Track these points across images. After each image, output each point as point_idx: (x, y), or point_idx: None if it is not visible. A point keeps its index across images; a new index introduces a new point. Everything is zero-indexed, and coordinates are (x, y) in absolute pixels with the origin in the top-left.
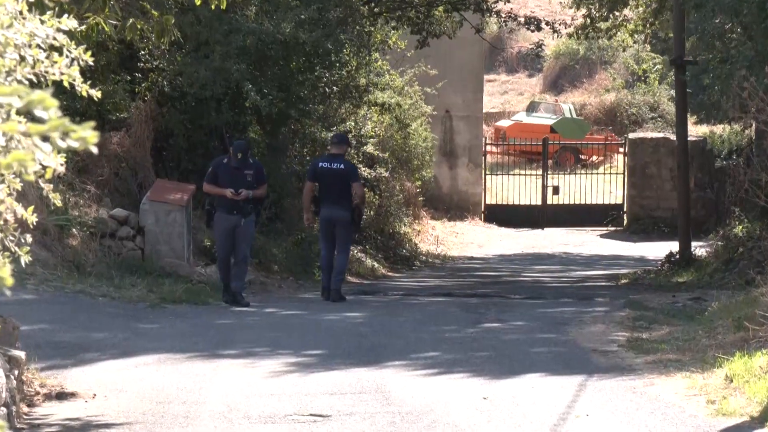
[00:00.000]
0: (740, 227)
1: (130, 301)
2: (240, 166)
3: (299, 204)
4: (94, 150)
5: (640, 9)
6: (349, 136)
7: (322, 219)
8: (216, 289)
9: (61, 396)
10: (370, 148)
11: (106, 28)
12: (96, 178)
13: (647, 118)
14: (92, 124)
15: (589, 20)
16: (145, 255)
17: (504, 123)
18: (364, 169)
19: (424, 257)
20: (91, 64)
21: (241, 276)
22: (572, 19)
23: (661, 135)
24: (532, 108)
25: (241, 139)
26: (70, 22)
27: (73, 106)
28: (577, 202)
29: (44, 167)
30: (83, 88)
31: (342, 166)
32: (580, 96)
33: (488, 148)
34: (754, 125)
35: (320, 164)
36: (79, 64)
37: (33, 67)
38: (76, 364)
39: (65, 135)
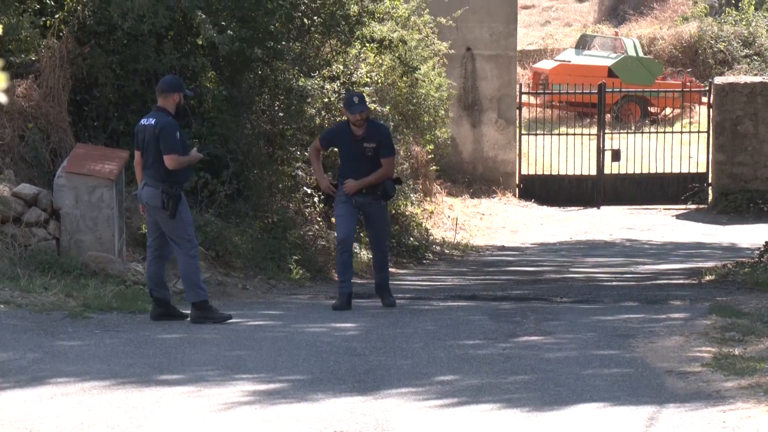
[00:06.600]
0: None
1: (42, 309)
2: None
3: (269, 176)
4: (3, 99)
5: None
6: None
7: None
8: None
9: None
10: None
11: None
12: None
13: (739, 57)
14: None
15: None
16: (62, 247)
17: (546, 65)
18: None
19: (438, 247)
20: None
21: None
22: None
23: (759, 79)
24: (583, 44)
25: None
26: None
27: None
28: (645, 171)
29: None
30: None
31: None
32: (649, 27)
33: (524, 98)
34: None
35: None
36: None
37: None
38: None
39: None
